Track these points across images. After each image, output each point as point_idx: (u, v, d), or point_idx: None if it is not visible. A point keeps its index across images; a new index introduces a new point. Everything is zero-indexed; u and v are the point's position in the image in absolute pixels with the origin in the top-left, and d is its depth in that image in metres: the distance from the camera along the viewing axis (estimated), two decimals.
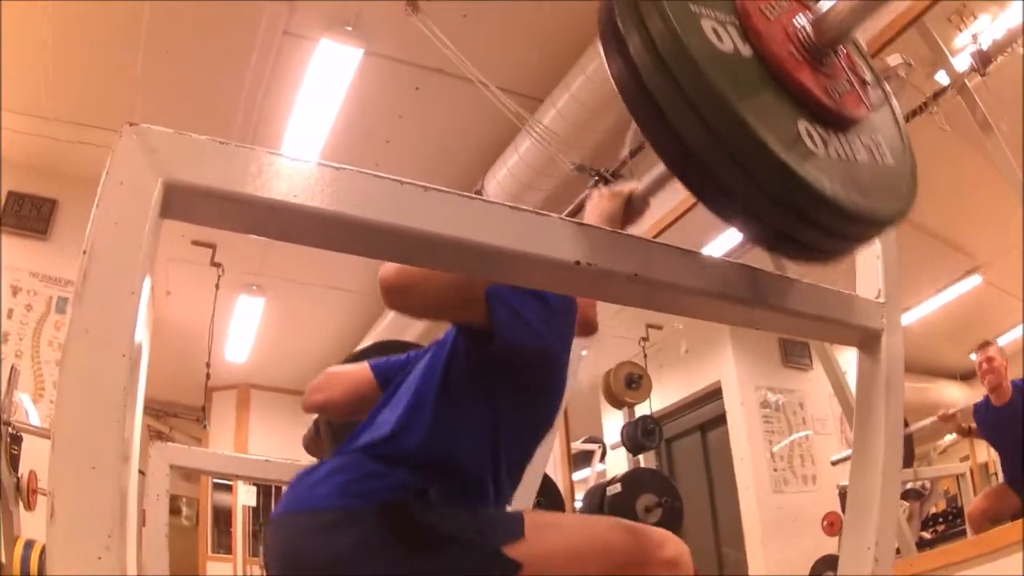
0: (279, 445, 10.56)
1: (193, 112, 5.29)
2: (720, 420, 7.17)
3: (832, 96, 1.25)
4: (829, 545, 6.72)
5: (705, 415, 7.38)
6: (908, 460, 6.31)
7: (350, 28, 4.59)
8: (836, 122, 1.26)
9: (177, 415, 11.48)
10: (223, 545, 10.55)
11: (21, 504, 4.25)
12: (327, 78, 4.81)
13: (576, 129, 4.70)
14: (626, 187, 1.74)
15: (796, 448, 7.20)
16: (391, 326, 7.26)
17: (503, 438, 1.67)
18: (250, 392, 10.77)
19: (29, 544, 4.16)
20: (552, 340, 1.73)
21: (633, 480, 5.48)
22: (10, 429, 4.18)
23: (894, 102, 1.47)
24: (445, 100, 5.03)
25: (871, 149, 1.33)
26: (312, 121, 5.23)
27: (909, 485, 6.01)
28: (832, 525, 7.02)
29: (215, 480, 10.21)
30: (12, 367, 4.71)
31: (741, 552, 6.64)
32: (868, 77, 1.37)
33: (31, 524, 4.26)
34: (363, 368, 2.09)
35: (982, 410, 4.78)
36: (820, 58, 1.27)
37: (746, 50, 1.19)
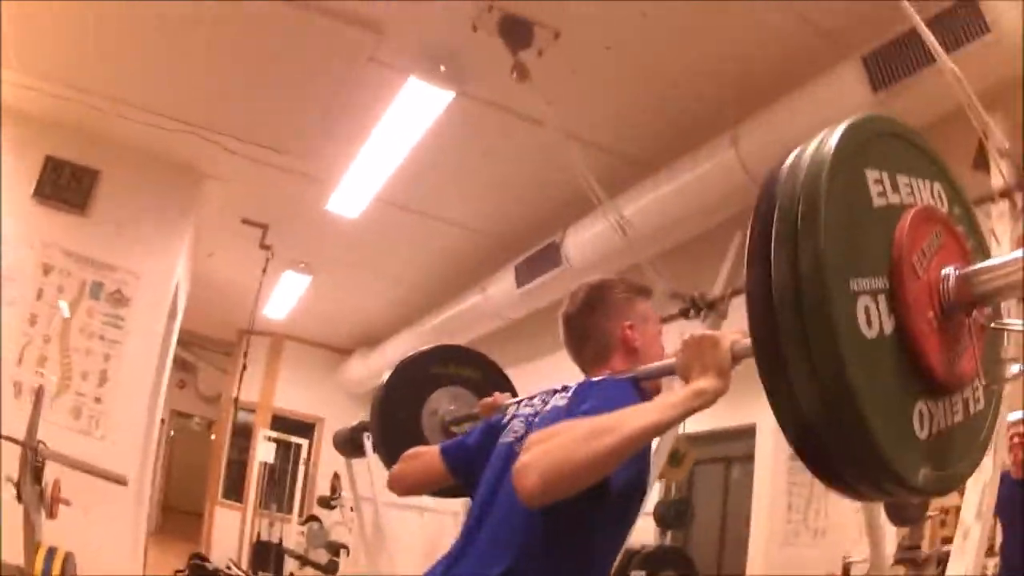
0: (305, 395, 11.17)
1: (252, 116, 5.25)
2: (747, 459, 7.12)
3: (951, 367, 1.26)
4: None
5: (733, 450, 7.34)
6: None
7: (443, 68, 4.41)
8: (948, 392, 1.28)
9: (204, 347, 11.92)
10: (234, 493, 10.74)
11: (44, 512, 4.23)
12: (409, 113, 4.72)
13: (650, 230, 4.66)
14: (727, 337, 1.59)
15: (813, 501, 7.26)
16: (432, 319, 7.38)
17: (600, 565, 1.80)
18: (284, 342, 11.00)
19: (51, 551, 4.24)
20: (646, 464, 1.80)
21: (657, 559, 5.67)
22: (37, 458, 4.17)
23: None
24: (529, 148, 4.92)
25: (967, 402, 1.35)
26: (382, 151, 5.16)
27: None
28: None
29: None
30: (40, 387, 4.62)
31: None
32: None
33: (53, 532, 4.30)
34: (433, 453, 2.19)
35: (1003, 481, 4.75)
36: (952, 315, 1.27)
37: (889, 325, 1.19)
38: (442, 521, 6.89)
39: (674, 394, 1.54)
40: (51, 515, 4.27)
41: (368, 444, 6.55)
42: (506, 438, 2.00)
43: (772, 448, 6.86)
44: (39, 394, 4.44)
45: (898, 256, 1.23)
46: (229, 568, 9.30)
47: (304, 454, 10.85)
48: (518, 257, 6.02)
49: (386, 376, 3.18)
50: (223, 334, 11.38)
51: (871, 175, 1.25)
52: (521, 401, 2.18)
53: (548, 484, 1.42)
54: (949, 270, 1.28)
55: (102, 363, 5.65)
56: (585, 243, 5.32)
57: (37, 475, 4.18)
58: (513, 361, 6.26)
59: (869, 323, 1.16)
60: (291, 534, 10.15)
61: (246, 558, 9.88)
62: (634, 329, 2.02)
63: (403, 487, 2.28)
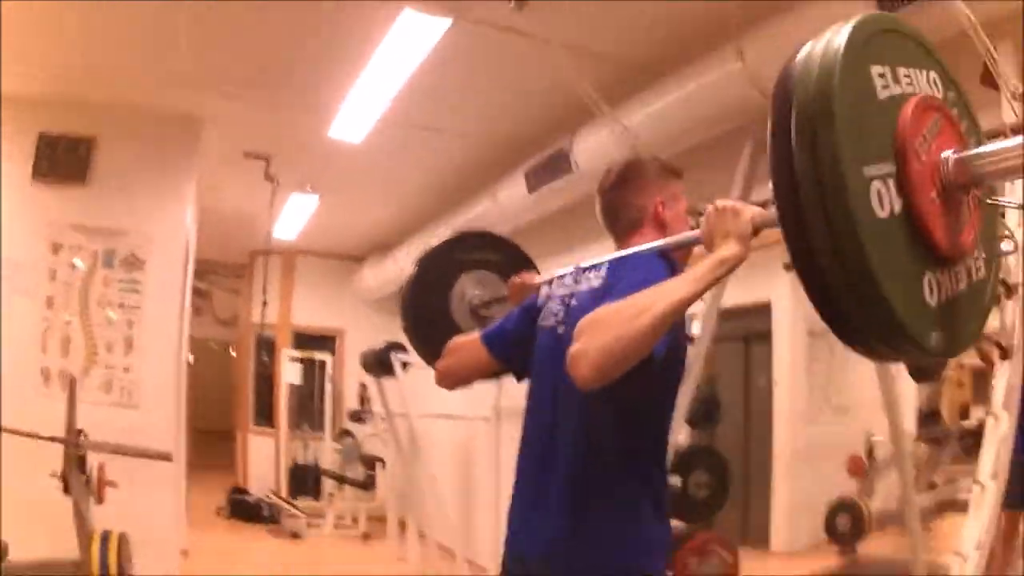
0: (323, 309, 11.29)
1: (246, 58, 5.19)
2: (765, 337, 7.32)
3: (953, 241, 1.41)
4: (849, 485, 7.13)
5: (752, 327, 7.48)
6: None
7: None
8: (952, 263, 1.44)
9: (216, 272, 12.02)
10: (263, 417, 10.86)
11: (92, 499, 4.31)
12: (406, 41, 4.70)
13: (655, 138, 4.67)
14: (748, 207, 1.75)
15: (833, 378, 7.41)
16: (444, 225, 7.45)
17: (662, 424, 2.10)
18: (296, 258, 11.06)
19: (105, 537, 4.25)
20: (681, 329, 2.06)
21: (688, 460, 5.83)
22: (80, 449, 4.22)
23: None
24: (531, 61, 4.82)
25: (970, 271, 1.51)
26: (382, 77, 5.15)
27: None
28: (855, 468, 7.34)
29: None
30: (72, 379, 4.62)
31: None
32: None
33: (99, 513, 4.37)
34: (477, 344, 2.31)
35: None
36: (952, 194, 1.40)
37: (898, 205, 1.33)
38: (473, 427, 7.10)
39: (700, 266, 1.68)
40: (100, 501, 4.37)
41: (397, 364, 6.75)
42: (546, 321, 2.17)
43: (789, 326, 7.06)
44: (72, 385, 4.45)
45: (902, 143, 1.36)
46: (268, 498, 9.55)
47: (329, 369, 10.96)
48: (527, 163, 6.10)
49: (411, 269, 3.26)
50: (234, 258, 11.46)
51: (875, 70, 1.37)
52: (552, 280, 2.31)
53: (599, 368, 1.58)
54: (948, 153, 1.41)
55: (126, 330, 5.66)
56: (592, 149, 5.37)
57: (81, 465, 4.26)
58: None
59: (881, 204, 1.30)
60: (326, 452, 10.30)
61: (284, 484, 10.07)
62: (665, 206, 2.17)
63: (452, 380, 2.35)
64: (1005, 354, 2.69)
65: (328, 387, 10.91)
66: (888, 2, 3.54)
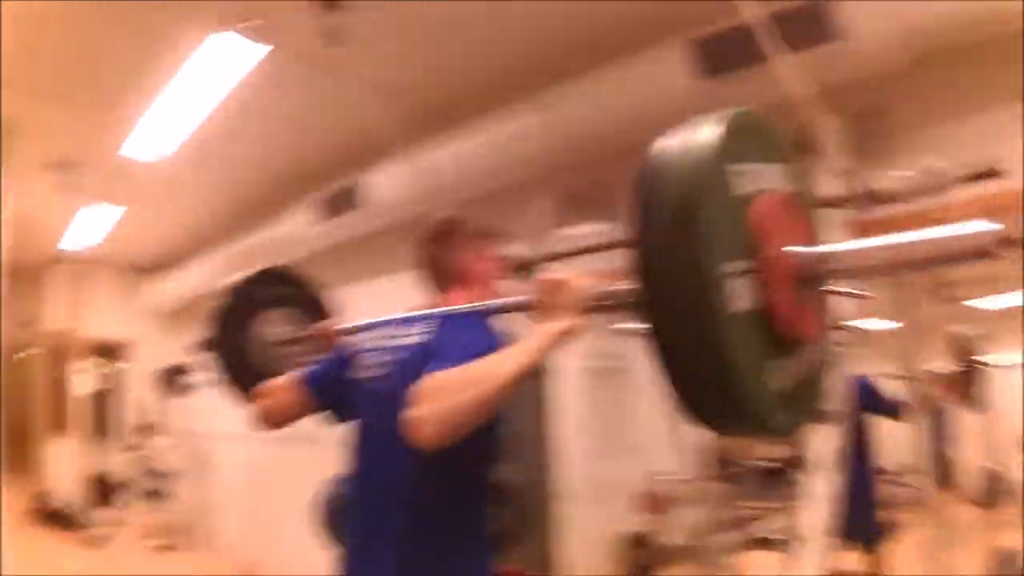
0: (117, 319, 10.89)
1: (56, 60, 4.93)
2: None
3: (800, 330, 1.49)
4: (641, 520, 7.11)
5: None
6: None
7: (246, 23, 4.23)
8: (798, 350, 1.52)
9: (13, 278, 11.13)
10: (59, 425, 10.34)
11: None
12: (213, 66, 4.58)
13: (450, 181, 4.72)
14: (583, 279, 1.81)
15: (623, 416, 7.60)
16: (233, 245, 7.32)
17: (484, 474, 2.17)
18: (91, 268, 10.40)
19: None
20: None
21: None
22: None
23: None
24: (333, 94, 4.89)
25: (813, 355, 1.62)
26: (187, 99, 5.00)
27: None
28: (646, 504, 7.56)
29: None
30: None
31: None
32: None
33: None
34: (294, 386, 2.29)
35: None
36: (798, 287, 1.48)
37: (751, 299, 1.39)
38: (263, 449, 7.04)
39: (534, 338, 1.72)
40: None
41: (189, 383, 6.61)
42: (364, 372, 2.17)
43: (572, 362, 7.20)
44: None
45: (754, 241, 1.42)
46: (69, 506, 9.34)
47: (120, 379, 10.70)
48: (318, 193, 6.09)
49: (217, 306, 3.22)
50: (28, 265, 10.53)
51: (731, 168, 1.42)
52: (360, 329, 2.35)
53: (441, 434, 1.63)
54: (796, 249, 1.48)
55: None
56: (384, 186, 5.42)
57: None
58: None
59: (736, 299, 1.35)
60: (122, 462, 9.89)
61: (81, 492, 9.74)
62: (480, 264, 2.26)
63: (272, 421, 2.34)
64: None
65: (122, 397, 10.66)
66: (710, 64, 3.71)
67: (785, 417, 1.48)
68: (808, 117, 3.44)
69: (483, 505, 2.10)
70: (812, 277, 1.50)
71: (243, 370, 3.13)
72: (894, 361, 4.01)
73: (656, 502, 7.52)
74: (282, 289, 3.31)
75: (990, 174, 2.90)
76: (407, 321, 2.15)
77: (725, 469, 7.62)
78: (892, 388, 4.47)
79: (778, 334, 1.45)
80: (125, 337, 11.13)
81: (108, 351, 10.77)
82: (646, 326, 1.38)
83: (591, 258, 4.12)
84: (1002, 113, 3.46)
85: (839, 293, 1.72)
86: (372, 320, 2.33)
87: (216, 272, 7.80)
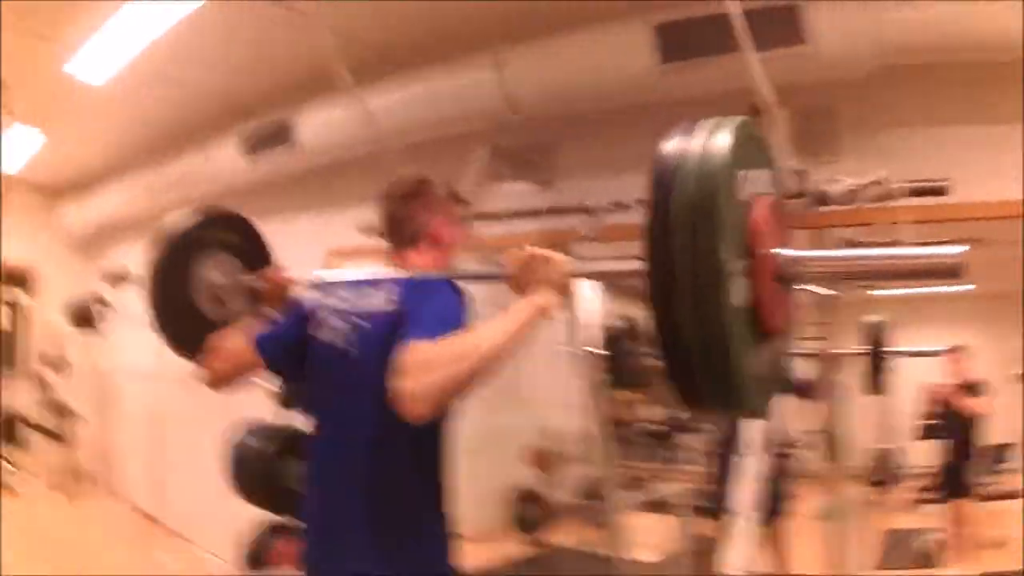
0: (24, 245, 9.79)
1: None
2: None
3: (777, 323, 1.66)
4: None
5: None
6: None
7: None
8: (773, 340, 1.71)
9: None
10: None
11: None
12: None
13: (392, 126, 4.57)
14: (562, 257, 1.90)
15: (516, 371, 7.71)
16: (151, 173, 7.18)
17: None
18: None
19: None
20: None
21: None
22: None
23: None
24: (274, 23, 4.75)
25: (782, 345, 1.81)
26: (132, 24, 4.81)
27: None
28: (537, 460, 7.69)
29: None
30: None
31: None
32: None
33: None
34: (245, 348, 2.26)
35: None
36: (779, 284, 1.65)
37: (745, 295, 1.54)
38: (168, 388, 6.94)
39: (518, 312, 1.80)
40: None
41: (98, 316, 6.45)
42: (325, 334, 2.16)
43: None
44: None
45: (753, 241, 1.58)
46: None
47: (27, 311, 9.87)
48: (249, 127, 6.00)
49: (155, 250, 2.99)
50: None
51: (739, 174, 1.57)
52: (321, 287, 2.33)
53: (433, 408, 1.69)
54: (782, 252, 1.65)
55: None
56: (319, 126, 5.39)
57: None
58: None
59: (737, 295, 1.50)
60: (24, 398, 9.36)
61: None
62: (445, 227, 2.29)
63: (222, 384, 2.30)
64: None
65: (29, 328, 9.87)
66: (671, 48, 3.79)
67: (760, 399, 1.68)
68: (763, 112, 3.65)
69: (444, 469, 2.16)
70: (792, 277, 1.67)
71: (180, 317, 2.94)
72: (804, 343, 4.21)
73: (545, 458, 7.68)
74: (227, 234, 3.11)
75: (937, 191, 3.07)
76: (371, 283, 2.16)
77: (614, 429, 7.83)
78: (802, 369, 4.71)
79: (763, 327, 1.61)
80: (34, 264, 10.29)
81: (16, 278, 10.03)
82: (653, 309, 1.50)
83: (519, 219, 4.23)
84: (949, 132, 3.68)
85: (810, 291, 1.89)
86: (331, 278, 2.35)
87: (134, 199, 7.67)
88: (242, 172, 6.20)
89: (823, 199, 3.29)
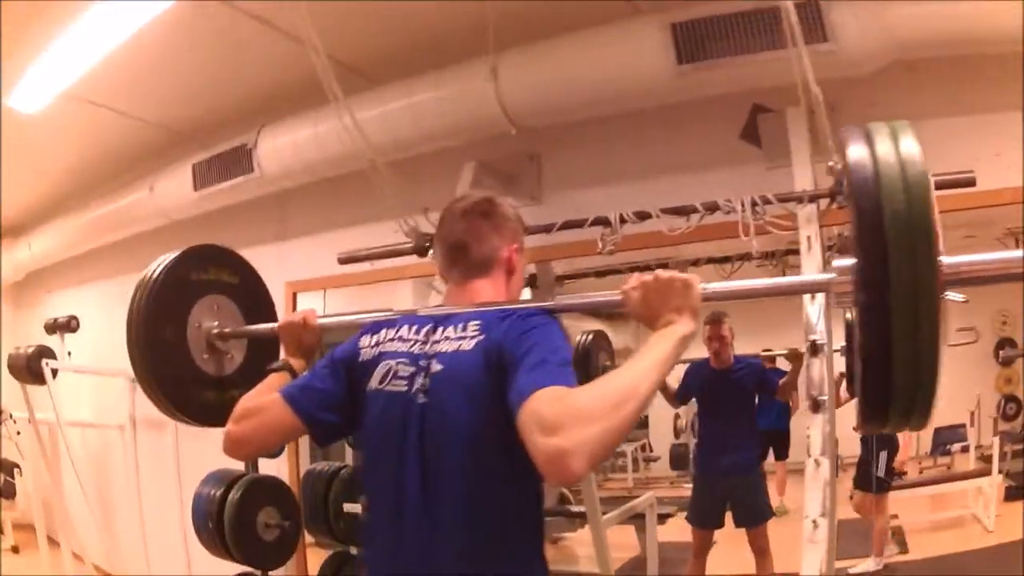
0: None
1: None
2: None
3: None
4: None
5: None
6: None
7: None
8: None
9: None
10: None
11: None
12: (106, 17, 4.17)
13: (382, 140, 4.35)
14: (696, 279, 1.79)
15: None
16: (89, 212, 6.89)
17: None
18: None
19: None
20: None
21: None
22: None
23: None
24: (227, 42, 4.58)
25: None
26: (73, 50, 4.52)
27: None
28: None
29: None
30: None
31: None
32: None
33: None
34: (278, 407, 2.03)
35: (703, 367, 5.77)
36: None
37: None
38: (105, 435, 6.91)
39: (664, 345, 1.65)
40: None
41: (47, 370, 6.22)
42: (386, 384, 1.95)
43: None
44: None
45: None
46: None
47: None
48: (197, 157, 5.76)
49: (140, 293, 2.77)
50: None
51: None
52: (371, 332, 2.09)
53: (595, 463, 1.46)
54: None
55: None
56: (282, 149, 5.18)
57: None
58: None
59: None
60: None
61: None
62: (516, 252, 2.13)
63: (251, 448, 2.12)
64: (816, 406, 3.01)
65: None
66: (688, 49, 3.75)
67: None
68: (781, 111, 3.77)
69: (541, 519, 1.97)
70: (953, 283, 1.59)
71: (174, 371, 2.78)
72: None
73: None
74: (217, 274, 2.97)
75: (966, 183, 3.02)
76: (436, 320, 1.98)
77: None
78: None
79: None
80: None
81: None
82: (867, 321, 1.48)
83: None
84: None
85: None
86: (381, 318, 2.13)
87: (77, 238, 7.34)
88: (190, 204, 5.95)
89: None
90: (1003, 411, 9.28)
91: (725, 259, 4.74)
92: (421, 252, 4.02)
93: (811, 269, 3.23)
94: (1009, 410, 9.25)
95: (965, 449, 9.82)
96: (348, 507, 5.28)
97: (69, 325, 6.74)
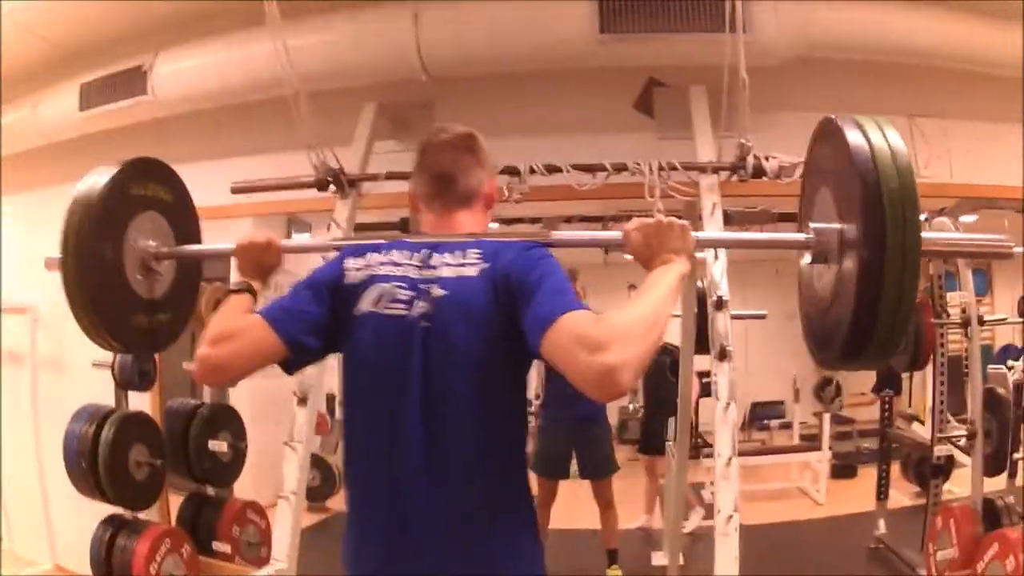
0: None
1: None
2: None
3: None
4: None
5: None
6: None
7: None
8: None
9: None
10: None
11: None
12: None
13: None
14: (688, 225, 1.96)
15: None
16: None
17: None
18: None
19: None
20: None
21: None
22: None
23: None
24: None
25: None
26: None
27: None
28: (318, 425, 7.63)
29: None
30: None
31: None
32: None
33: None
34: (260, 329, 1.94)
35: None
36: None
37: None
38: None
39: (671, 280, 1.80)
40: None
41: None
42: (390, 309, 1.91)
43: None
44: None
45: None
46: None
47: None
48: (84, 76, 5.52)
49: (77, 204, 2.54)
50: None
51: None
52: (356, 254, 2.05)
53: (637, 379, 1.62)
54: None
55: None
56: (182, 73, 5.10)
57: None
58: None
59: None
60: None
61: None
62: (492, 187, 2.19)
63: (228, 375, 1.96)
64: (723, 355, 3.46)
65: None
66: (612, 21, 4.00)
67: None
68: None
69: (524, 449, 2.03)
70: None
71: (111, 295, 2.61)
72: None
73: (328, 423, 7.69)
74: (154, 190, 2.75)
75: None
76: (431, 247, 1.98)
77: None
78: None
79: None
80: None
81: None
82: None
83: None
84: None
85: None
86: (368, 245, 2.07)
87: None
88: (73, 125, 5.72)
89: (759, 172, 3.49)
90: (819, 393, 9.99)
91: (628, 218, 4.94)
92: (323, 186, 4.08)
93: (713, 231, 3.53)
94: (827, 393, 9.95)
95: (784, 426, 10.55)
96: (213, 444, 5.28)
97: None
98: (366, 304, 1.93)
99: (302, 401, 3.53)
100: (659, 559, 6.10)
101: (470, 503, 1.85)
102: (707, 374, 7.79)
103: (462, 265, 1.90)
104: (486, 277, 1.86)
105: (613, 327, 1.57)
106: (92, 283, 2.52)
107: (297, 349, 1.95)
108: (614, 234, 2.04)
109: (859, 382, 9.93)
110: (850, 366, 2.02)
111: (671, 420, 6.78)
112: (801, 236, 2.17)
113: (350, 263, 2.02)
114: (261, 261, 2.30)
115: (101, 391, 5.12)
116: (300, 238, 2.84)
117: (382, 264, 1.98)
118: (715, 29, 3.70)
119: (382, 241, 2.07)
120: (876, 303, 1.81)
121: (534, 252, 1.91)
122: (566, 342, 1.61)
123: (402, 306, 1.90)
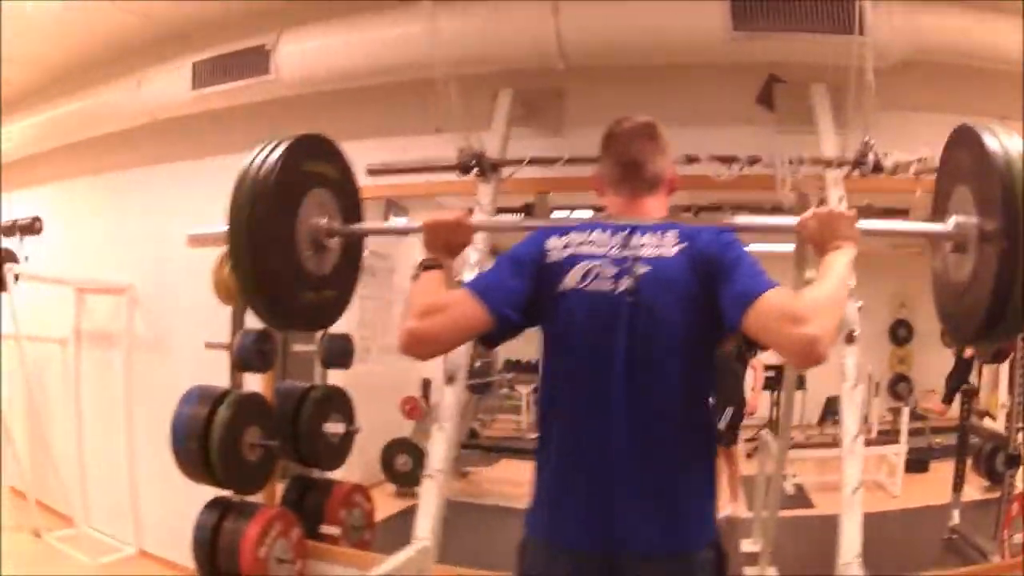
0: None
1: None
2: None
3: None
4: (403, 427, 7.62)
5: None
6: None
7: None
8: None
9: None
10: None
11: None
12: None
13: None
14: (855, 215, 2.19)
15: (381, 318, 7.74)
16: (67, 105, 6.46)
17: None
18: None
19: None
20: None
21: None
22: None
23: None
24: None
25: None
26: None
27: None
28: (410, 409, 7.73)
29: None
30: None
31: None
32: None
33: None
34: (470, 304, 2.04)
35: None
36: None
37: None
38: (46, 350, 6.64)
39: (842, 261, 2.03)
40: None
41: (9, 277, 5.89)
42: (586, 283, 2.03)
43: None
44: None
45: None
46: None
47: None
48: (196, 55, 5.61)
49: (253, 177, 2.54)
50: None
51: None
52: (558, 234, 2.14)
53: (831, 350, 1.78)
54: None
55: None
56: (310, 53, 5.19)
57: None
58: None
59: None
60: None
61: None
62: (674, 173, 2.35)
63: (436, 348, 2.10)
64: (851, 339, 3.57)
65: None
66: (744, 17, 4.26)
67: None
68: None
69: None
70: None
71: (279, 270, 2.61)
72: None
73: (421, 407, 7.78)
74: (324, 167, 2.79)
75: None
76: (626, 228, 2.10)
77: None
78: None
79: None
80: None
81: None
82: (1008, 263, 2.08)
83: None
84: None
85: None
86: (566, 224, 2.19)
87: (40, 134, 6.81)
88: (182, 104, 5.79)
89: (878, 169, 3.75)
90: (894, 389, 10.03)
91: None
92: (466, 170, 4.14)
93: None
94: (901, 389, 10.01)
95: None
96: (328, 426, 5.37)
97: (33, 227, 6.17)
98: (571, 281, 2.06)
99: (450, 380, 3.57)
100: (748, 546, 6.12)
101: (672, 471, 2.00)
102: (774, 367, 8.14)
103: (660, 245, 2.05)
104: (685, 256, 2.03)
105: (812, 303, 1.81)
106: (265, 259, 2.54)
107: (503, 322, 2.07)
108: (790, 221, 2.26)
109: (928, 380, 10.10)
110: (983, 342, 2.50)
111: (728, 409, 7.34)
112: (942, 227, 2.39)
113: (552, 242, 2.15)
114: (451, 239, 2.35)
115: (200, 372, 5.18)
116: (489, 217, 2.87)
117: (584, 244, 2.10)
118: (835, 30, 4.04)
119: (576, 223, 2.19)
120: (1011, 286, 2.06)
121: (726, 235, 2.10)
122: (771, 317, 1.82)
123: (608, 283, 2.03)
